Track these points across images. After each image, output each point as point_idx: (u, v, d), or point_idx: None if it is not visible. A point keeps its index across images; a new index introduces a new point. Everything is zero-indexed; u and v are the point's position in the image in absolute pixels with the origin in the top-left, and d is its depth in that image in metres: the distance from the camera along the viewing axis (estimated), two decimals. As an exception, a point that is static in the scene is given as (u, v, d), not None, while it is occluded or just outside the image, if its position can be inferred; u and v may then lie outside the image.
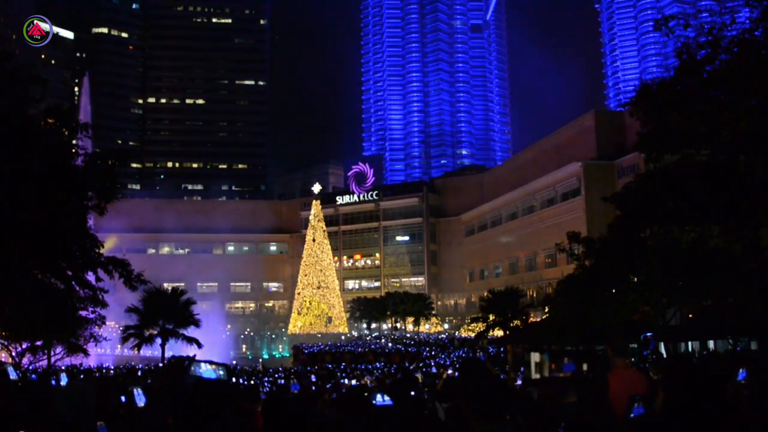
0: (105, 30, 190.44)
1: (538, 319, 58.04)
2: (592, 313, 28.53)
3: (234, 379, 40.58)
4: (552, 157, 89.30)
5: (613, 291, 28.54)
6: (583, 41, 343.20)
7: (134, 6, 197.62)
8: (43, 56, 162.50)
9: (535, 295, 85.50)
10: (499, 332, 61.84)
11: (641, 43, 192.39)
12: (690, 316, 32.31)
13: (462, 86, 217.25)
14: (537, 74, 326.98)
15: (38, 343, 34.14)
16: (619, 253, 26.58)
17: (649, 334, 32.29)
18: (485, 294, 66.52)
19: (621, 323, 28.57)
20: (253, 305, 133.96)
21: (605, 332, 26.50)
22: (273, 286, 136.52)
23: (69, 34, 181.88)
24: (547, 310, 45.57)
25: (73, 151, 24.66)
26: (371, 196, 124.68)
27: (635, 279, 27.78)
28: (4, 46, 20.91)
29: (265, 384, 33.31)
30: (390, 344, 73.11)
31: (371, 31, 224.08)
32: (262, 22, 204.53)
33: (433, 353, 62.61)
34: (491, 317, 61.15)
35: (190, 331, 49.80)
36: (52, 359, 37.94)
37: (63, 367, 48.50)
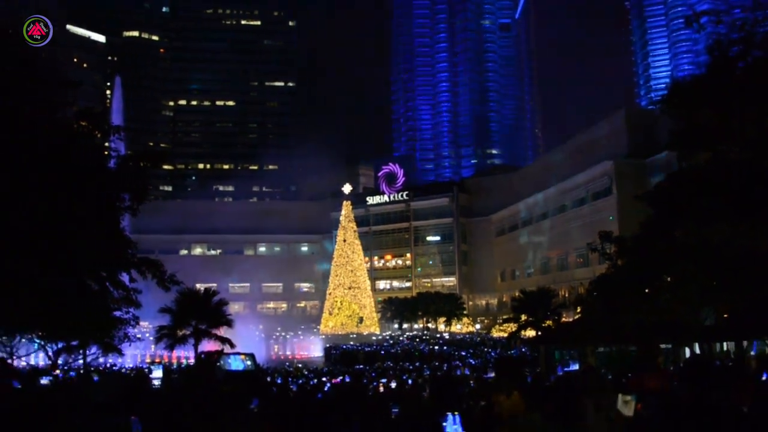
0: (136, 33, 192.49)
1: (571, 320, 57.67)
2: (624, 313, 28.25)
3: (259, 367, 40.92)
4: (583, 156, 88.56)
5: (646, 291, 28.23)
6: (613, 39, 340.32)
7: (164, 9, 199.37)
8: (75, 59, 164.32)
9: (567, 295, 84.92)
10: (531, 332, 61.54)
11: (672, 40, 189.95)
12: (725, 315, 31.83)
13: (491, 85, 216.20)
14: (567, 73, 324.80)
15: (74, 343, 34.67)
16: (651, 252, 26.28)
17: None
18: (516, 294, 66.27)
19: (654, 324, 28.25)
20: (284, 305, 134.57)
21: (638, 333, 26.26)
22: (304, 286, 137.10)
23: (101, 38, 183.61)
24: (579, 310, 45.28)
25: (106, 153, 24.94)
26: (401, 196, 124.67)
27: (668, 278, 27.46)
28: (36, 51, 21.15)
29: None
30: (422, 345, 72.99)
31: (400, 32, 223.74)
32: (290, 23, 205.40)
33: (467, 353, 62.45)
34: (523, 317, 60.85)
35: (223, 332, 50.18)
36: (88, 359, 38.51)
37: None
